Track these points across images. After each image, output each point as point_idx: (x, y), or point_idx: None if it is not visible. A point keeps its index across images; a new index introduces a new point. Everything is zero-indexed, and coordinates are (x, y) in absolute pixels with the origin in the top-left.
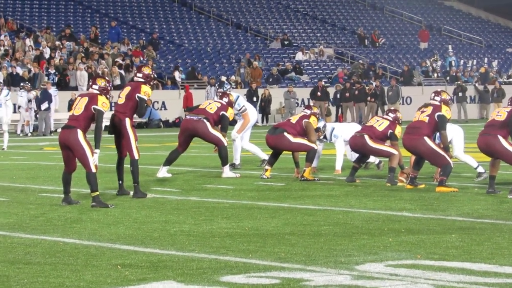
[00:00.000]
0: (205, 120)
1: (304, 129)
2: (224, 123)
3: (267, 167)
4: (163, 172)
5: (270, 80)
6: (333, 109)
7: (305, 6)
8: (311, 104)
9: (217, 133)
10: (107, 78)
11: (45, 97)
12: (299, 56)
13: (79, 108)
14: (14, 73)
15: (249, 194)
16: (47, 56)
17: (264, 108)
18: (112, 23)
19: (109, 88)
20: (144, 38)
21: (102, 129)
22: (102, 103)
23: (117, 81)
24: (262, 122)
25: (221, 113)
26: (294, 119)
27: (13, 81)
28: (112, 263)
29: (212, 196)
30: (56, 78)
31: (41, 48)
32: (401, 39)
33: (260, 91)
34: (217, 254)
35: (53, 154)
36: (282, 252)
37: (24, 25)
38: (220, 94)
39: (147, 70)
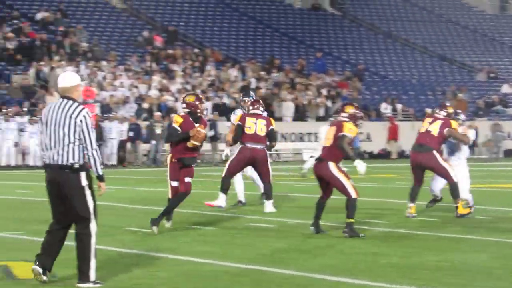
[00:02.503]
0: (433, 152)
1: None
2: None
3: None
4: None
5: (479, 113)
6: None
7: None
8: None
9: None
10: (355, 105)
11: None
12: (505, 88)
13: (328, 139)
14: (220, 103)
15: (454, 228)
16: (253, 86)
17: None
18: (317, 54)
19: (358, 115)
20: (349, 69)
21: (347, 151)
22: (349, 129)
23: (321, 113)
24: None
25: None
26: (434, 131)
27: (219, 111)
28: None
29: (418, 228)
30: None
31: (246, 78)
32: None
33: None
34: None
35: None
36: (490, 287)
37: (229, 56)
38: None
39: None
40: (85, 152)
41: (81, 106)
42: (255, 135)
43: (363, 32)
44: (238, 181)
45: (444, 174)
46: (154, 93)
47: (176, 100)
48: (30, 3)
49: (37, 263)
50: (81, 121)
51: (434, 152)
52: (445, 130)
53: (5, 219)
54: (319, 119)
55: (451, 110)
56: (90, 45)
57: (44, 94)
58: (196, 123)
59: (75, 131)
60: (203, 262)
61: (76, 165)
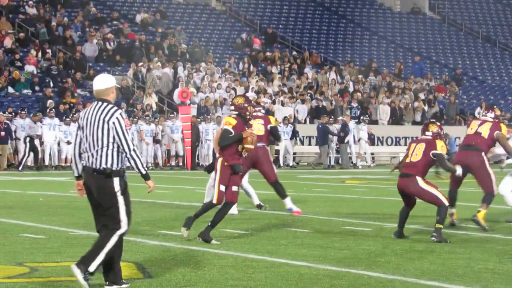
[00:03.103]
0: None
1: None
2: None
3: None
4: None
5: None
6: None
7: None
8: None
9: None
10: (438, 124)
11: (344, 129)
12: None
13: (416, 154)
14: (320, 106)
15: None
16: (350, 89)
17: None
18: (415, 58)
19: (441, 133)
20: (447, 73)
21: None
22: (441, 147)
23: (418, 118)
24: None
25: None
26: (484, 132)
27: (317, 113)
28: None
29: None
30: (358, 112)
31: (344, 81)
32: None
33: None
34: None
35: (356, 187)
36: None
37: (328, 58)
38: None
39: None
40: (124, 155)
41: (115, 108)
42: None
43: (462, 36)
44: (247, 186)
45: (486, 181)
46: (251, 95)
47: (274, 102)
48: (130, 5)
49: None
50: (113, 123)
51: (482, 154)
52: (495, 133)
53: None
54: (415, 123)
55: (498, 113)
56: (190, 47)
57: (141, 95)
58: (246, 126)
59: (108, 134)
60: (300, 264)
61: (109, 170)
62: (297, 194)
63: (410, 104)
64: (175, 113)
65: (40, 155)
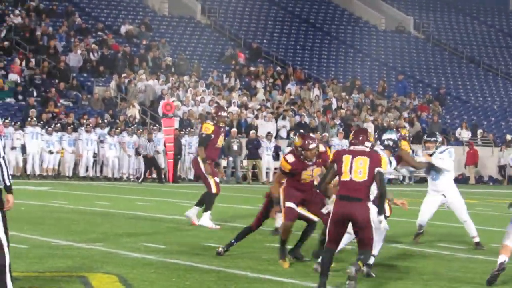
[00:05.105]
0: None
1: None
2: None
3: None
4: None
5: None
6: None
7: None
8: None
9: None
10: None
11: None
12: None
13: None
14: (303, 122)
15: None
16: (334, 106)
17: None
18: (399, 76)
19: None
20: (430, 92)
21: None
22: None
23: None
24: None
25: None
26: None
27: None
28: None
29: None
30: (341, 129)
31: (328, 98)
32: None
33: None
34: None
35: None
36: None
37: (311, 75)
38: None
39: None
40: None
41: None
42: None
43: (446, 56)
44: None
45: None
46: (234, 109)
47: (256, 117)
48: (115, 16)
49: None
50: None
51: None
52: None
53: (83, 230)
54: None
55: (403, 133)
56: (174, 59)
57: (124, 107)
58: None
59: None
60: (283, 281)
61: None
62: None
63: (392, 123)
64: (157, 125)
65: (21, 164)
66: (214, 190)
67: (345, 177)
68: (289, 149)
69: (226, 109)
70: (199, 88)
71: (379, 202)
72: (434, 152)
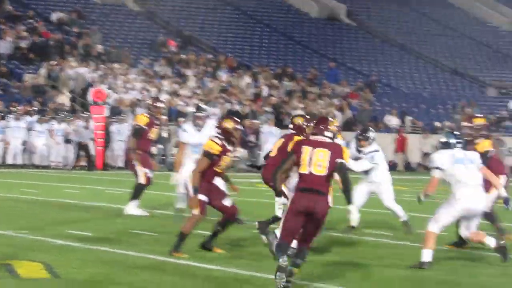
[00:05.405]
0: None
1: None
2: None
3: None
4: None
5: (491, 128)
6: None
7: None
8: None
9: None
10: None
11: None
12: (511, 105)
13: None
14: (233, 109)
15: None
16: (265, 94)
17: None
18: (330, 64)
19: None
20: (361, 80)
21: None
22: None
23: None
24: None
25: None
26: None
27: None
28: None
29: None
30: (273, 117)
31: (259, 85)
32: None
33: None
34: None
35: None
36: None
37: (243, 62)
38: None
39: (298, 121)
40: None
41: None
42: None
43: (378, 43)
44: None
45: None
46: (164, 97)
47: (187, 104)
48: (45, 3)
49: None
50: None
51: None
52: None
53: (10, 218)
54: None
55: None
56: (106, 47)
57: (54, 94)
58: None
59: None
60: (210, 268)
61: None
62: None
63: (324, 110)
64: (87, 113)
65: None
66: (143, 181)
67: (304, 170)
68: None
69: (163, 100)
70: (129, 75)
71: (345, 192)
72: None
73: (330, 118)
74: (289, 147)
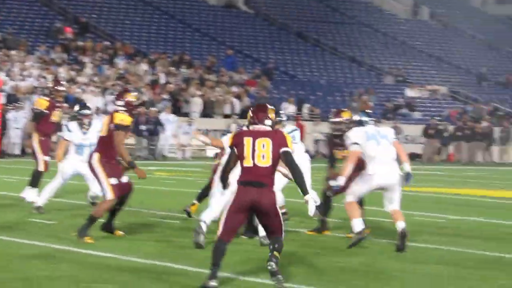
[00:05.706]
0: None
1: None
2: None
3: None
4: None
5: (387, 115)
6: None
7: (422, 43)
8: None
9: None
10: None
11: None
12: (408, 92)
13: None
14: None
15: None
16: (162, 81)
17: None
18: (228, 51)
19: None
20: (259, 67)
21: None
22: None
23: (227, 110)
24: None
25: None
26: None
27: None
28: None
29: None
30: (170, 104)
31: (156, 72)
32: None
33: None
34: None
35: (164, 179)
36: None
37: (140, 50)
38: None
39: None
40: None
41: None
42: None
43: (275, 31)
44: None
45: None
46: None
47: (83, 91)
48: None
49: None
50: None
51: None
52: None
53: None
54: (226, 116)
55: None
56: (3, 34)
57: None
58: None
59: None
60: (106, 256)
61: None
62: None
63: (220, 98)
64: None
65: None
66: (41, 168)
67: (248, 163)
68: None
69: (63, 83)
70: (26, 63)
71: (299, 181)
72: None
73: (269, 106)
74: (229, 141)
